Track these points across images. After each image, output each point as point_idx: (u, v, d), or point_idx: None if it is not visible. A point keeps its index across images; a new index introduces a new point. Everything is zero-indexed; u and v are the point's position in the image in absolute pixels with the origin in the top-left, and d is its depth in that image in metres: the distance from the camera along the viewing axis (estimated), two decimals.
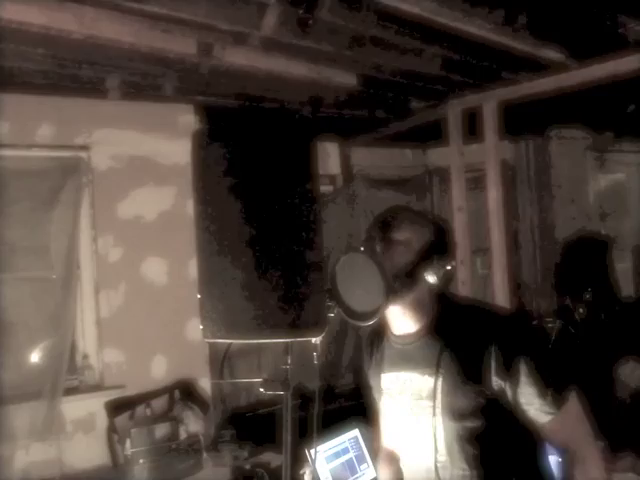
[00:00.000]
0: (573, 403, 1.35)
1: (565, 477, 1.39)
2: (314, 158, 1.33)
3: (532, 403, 1.33)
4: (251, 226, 1.30)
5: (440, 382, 1.39)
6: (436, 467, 1.41)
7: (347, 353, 4.59)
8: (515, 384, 1.33)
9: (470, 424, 1.37)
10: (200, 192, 1.34)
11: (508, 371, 1.33)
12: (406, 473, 1.55)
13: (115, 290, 3.40)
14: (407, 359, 1.48)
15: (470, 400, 1.36)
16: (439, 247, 1.43)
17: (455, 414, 1.38)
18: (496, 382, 1.34)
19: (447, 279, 1.43)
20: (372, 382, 1.61)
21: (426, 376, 1.42)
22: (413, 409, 1.46)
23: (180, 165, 3.42)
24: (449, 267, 1.42)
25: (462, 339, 1.39)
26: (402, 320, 1.46)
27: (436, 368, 1.40)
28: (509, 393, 1.34)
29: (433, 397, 1.40)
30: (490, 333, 1.38)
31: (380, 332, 1.55)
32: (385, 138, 4.59)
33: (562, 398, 1.33)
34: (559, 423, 1.34)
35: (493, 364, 1.34)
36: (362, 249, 1.42)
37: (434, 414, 1.40)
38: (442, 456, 1.41)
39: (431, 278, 1.40)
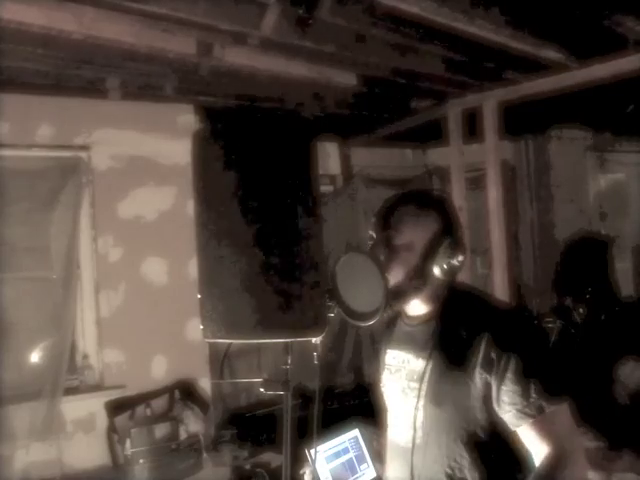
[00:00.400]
0: (563, 410, 1.31)
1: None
2: (314, 158, 1.33)
3: (515, 403, 1.30)
4: (251, 226, 1.30)
5: (430, 367, 1.41)
6: (412, 448, 1.43)
7: (347, 353, 4.59)
8: (500, 380, 1.31)
9: (451, 412, 1.37)
10: (200, 192, 1.34)
11: (496, 365, 1.32)
12: (388, 449, 1.57)
13: (115, 290, 3.40)
14: (409, 340, 1.51)
15: (453, 388, 1.36)
16: (445, 237, 1.42)
17: (437, 399, 1.39)
18: (480, 375, 1.33)
19: (455, 271, 1.44)
20: (379, 357, 1.64)
21: (420, 359, 1.45)
22: (404, 389, 1.48)
23: (180, 165, 3.42)
24: (456, 262, 1.42)
25: (459, 327, 1.40)
26: (414, 303, 1.49)
27: (430, 352, 1.42)
28: (493, 389, 1.33)
29: (421, 380, 1.42)
30: (486, 325, 1.37)
31: (398, 312, 1.57)
32: (385, 138, 4.59)
33: (548, 402, 1.29)
34: (541, 427, 1.30)
35: (480, 355, 1.33)
36: (365, 253, 1.42)
37: (419, 396, 1.42)
38: (419, 438, 1.42)
39: (438, 272, 1.41)
